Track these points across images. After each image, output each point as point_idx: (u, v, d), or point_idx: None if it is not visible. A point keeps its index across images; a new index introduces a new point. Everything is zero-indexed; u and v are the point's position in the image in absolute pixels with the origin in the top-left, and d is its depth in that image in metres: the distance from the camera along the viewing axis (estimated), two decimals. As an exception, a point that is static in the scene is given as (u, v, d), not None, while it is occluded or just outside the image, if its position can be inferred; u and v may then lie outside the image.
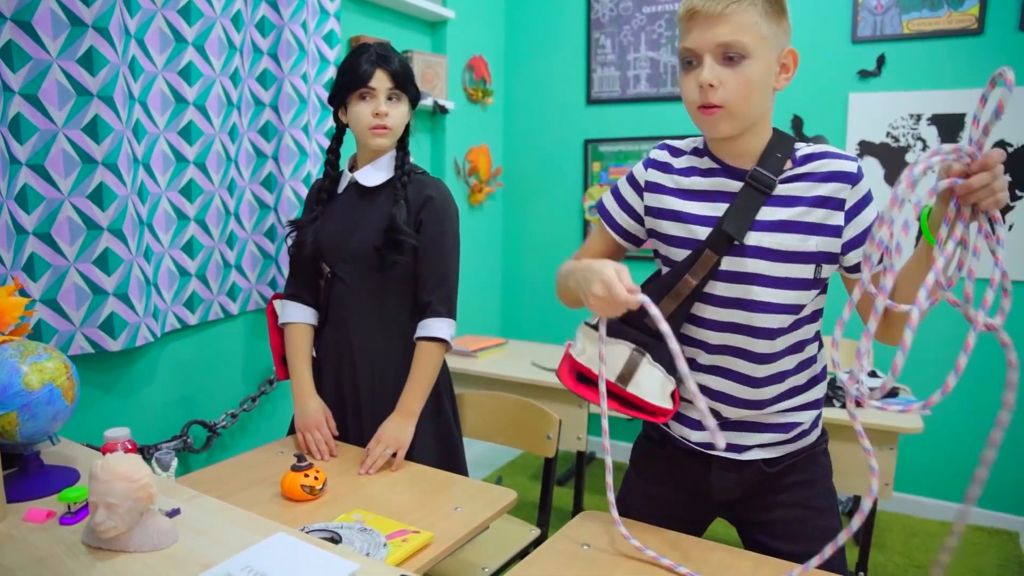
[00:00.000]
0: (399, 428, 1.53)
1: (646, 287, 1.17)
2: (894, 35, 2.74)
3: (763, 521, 1.21)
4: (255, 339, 2.19)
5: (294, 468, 1.35)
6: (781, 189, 1.06)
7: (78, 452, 1.27)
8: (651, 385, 1.10)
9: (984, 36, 2.61)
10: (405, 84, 1.55)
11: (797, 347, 1.13)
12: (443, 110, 2.99)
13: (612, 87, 3.32)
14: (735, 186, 1.08)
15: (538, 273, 3.60)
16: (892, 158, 2.79)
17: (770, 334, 1.09)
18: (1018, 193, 2.62)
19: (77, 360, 1.66)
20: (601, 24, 3.31)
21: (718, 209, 1.09)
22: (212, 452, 2.06)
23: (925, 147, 2.74)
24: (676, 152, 1.17)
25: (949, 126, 2.69)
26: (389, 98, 1.54)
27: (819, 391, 1.19)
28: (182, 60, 1.82)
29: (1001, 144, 2.62)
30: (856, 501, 2.84)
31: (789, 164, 1.07)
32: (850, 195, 1.04)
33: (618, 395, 1.14)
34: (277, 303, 1.73)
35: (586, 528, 1.22)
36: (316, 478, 1.35)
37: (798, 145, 1.09)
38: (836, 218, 1.04)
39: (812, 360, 1.16)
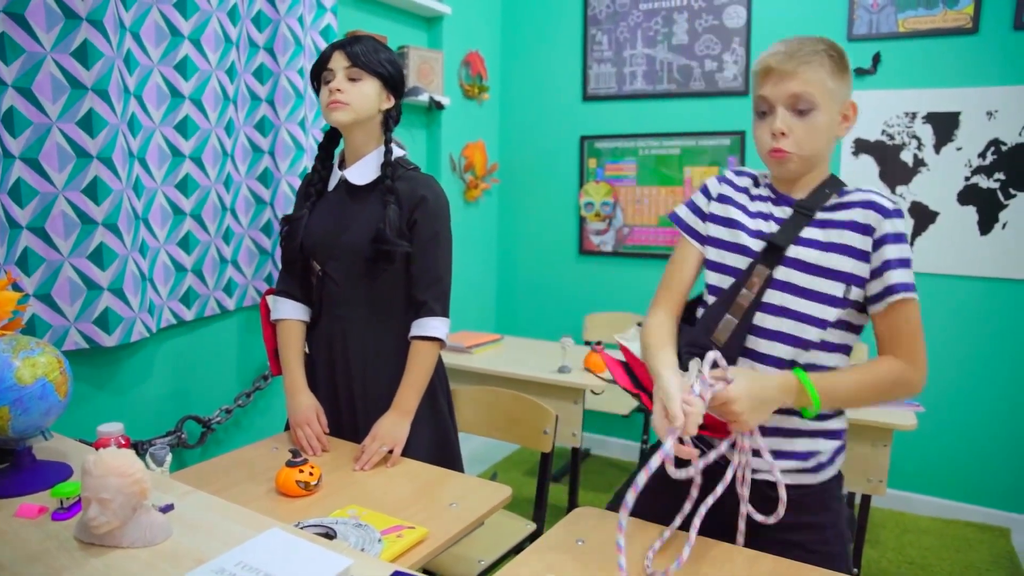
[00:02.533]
0: (395, 425, 1.53)
1: (704, 310, 1.26)
2: (890, 33, 2.74)
3: (768, 550, 1.19)
4: (250, 335, 2.19)
5: (289, 464, 1.34)
6: (822, 215, 1.18)
7: (71, 447, 1.26)
8: None
9: (979, 35, 2.61)
10: (365, 63, 1.53)
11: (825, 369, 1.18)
12: (439, 106, 2.99)
13: (608, 83, 3.31)
14: (786, 212, 1.21)
15: (534, 269, 3.60)
16: (887, 156, 2.80)
17: (805, 344, 1.16)
18: (1012, 192, 2.62)
19: (71, 355, 1.65)
20: (598, 20, 3.30)
21: (769, 227, 1.21)
22: (206, 448, 2.05)
23: (920, 145, 2.74)
24: (752, 180, 1.29)
25: (944, 124, 2.70)
26: (351, 79, 1.53)
27: (840, 422, 1.23)
28: (178, 54, 1.82)
29: (995, 143, 2.63)
30: (850, 498, 2.85)
31: (834, 198, 1.19)
32: (879, 224, 1.13)
33: None
34: (270, 299, 1.73)
35: (581, 524, 1.22)
36: (311, 474, 1.34)
37: (849, 187, 1.20)
38: (865, 243, 1.14)
39: None
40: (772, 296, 1.17)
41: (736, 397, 1.03)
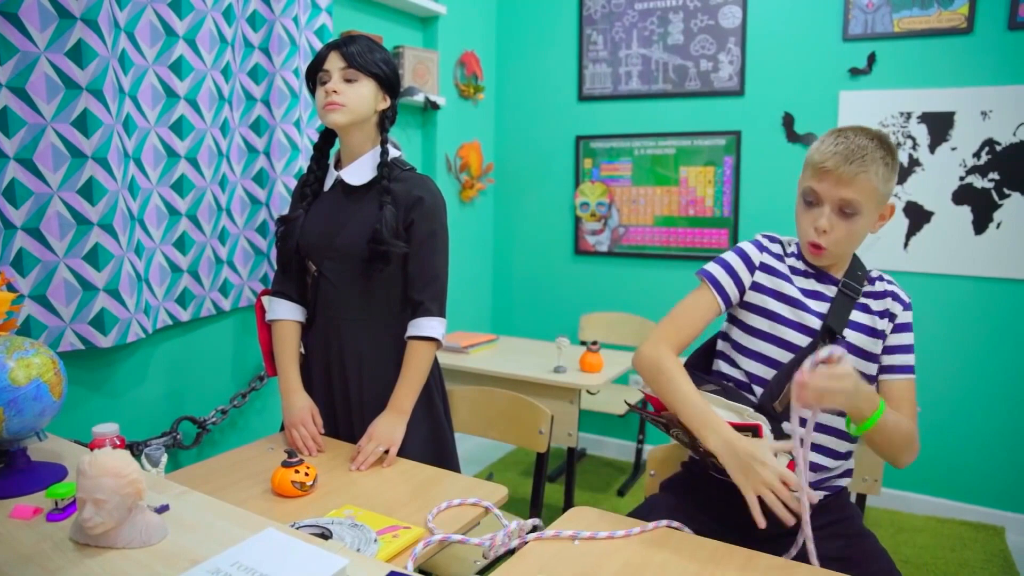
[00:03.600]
0: (391, 426, 1.53)
1: (771, 379, 1.32)
2: (885, 33, 2.75)
3: (803, 555, 1.22)
4: (246, 335, 2.19)
5: (285, 464, 1.34)
6: (862, 299, 1.31)
7: (66, 448, 1.26)
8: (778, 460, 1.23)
9: (973, 35, 2.62)
10: (361, 64, 1.52)
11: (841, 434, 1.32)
12: (434, 106, 2.99)
13: (604, 83, 3.32)
14: (829, 289, 1.32)
15: (529, 270, 3.61)
16: (882, 156, 2.81)
17: (837, 412, 1.28)
18: (1006, 192, 2.64)
19: (67, 357, 1.65)
20: (593, 20, 3.31)
21: (821, 306, 1.30)
22: (202, 448, 2.05)
23: (915, 145, 2.75)
24: (783, 246, 1.38)
25: (939, 124, 2.71)
26: (346, 80, 1.53)
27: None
28: (173, 54, 1.81)
29: (990, 143, 2.64)
30: (845, 497, 2.86)
31: (866, 283, 1.33)
32: (901, 313, 1.31)
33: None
34: (265, 299, 1.73)
35: (576, 523, 1.22)
36: (307, 474, 1.34)
37: (870, 268, 1.36)
38: (887, 327, 1.30)
39: None
40: None
41: (848, 372, 1.09)
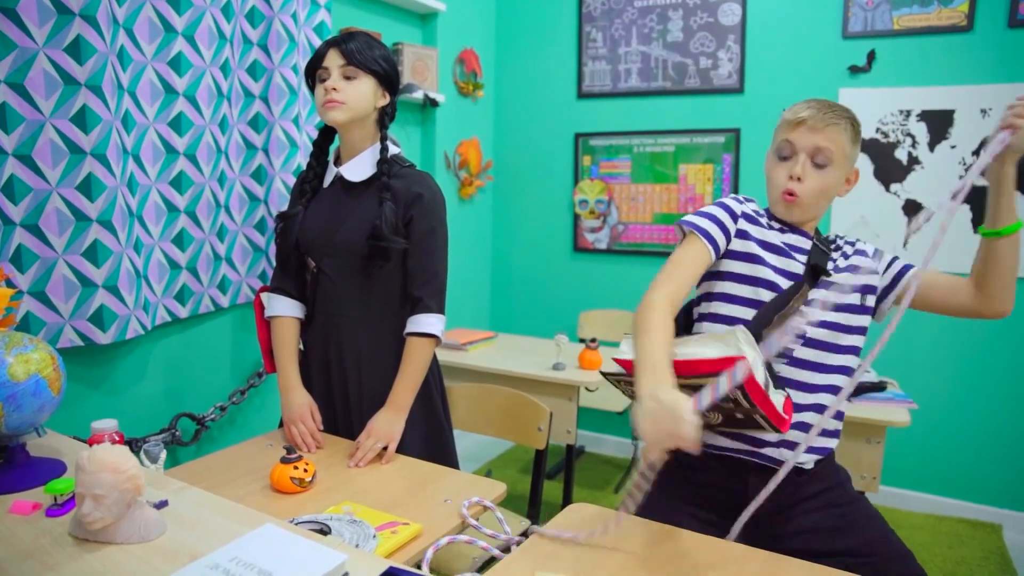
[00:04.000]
0: (389, 422, 1.53)
1: (758, 312, 1.33)
2: (884, 31, 2.75)
3: (801, 528, 1.26)
4: (244, 332, 2.19)
5: (283, 460, 1.35)
6: (834, 253, 1.39)
7: (65, 444, 1.26)
8: (775, 396, 1.22)
9: (973, 33, 2.62)
10: (360, 61, 1.52)
11: (845, 370, 1.34)
12: (433, 103, 2.99)
13: (603, 81, 3.32)
14: (804, 242, 1.36)
15: (528, 267, 3.61)
16: (882, 154, 2.81)
17: (838, 349, 1.32)
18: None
19: (66, 353, 1.65)
20: (592, 18, 3.31)
21: (798, 256, 1.35)
22: (201, 445, 2.05)
23: (915, 143, 2.75)
24: (757, 207, 1.42)
25: (938, 122, 2.71)
26: (346, 77, 1.53)
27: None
28: (172, 50, 1.81)
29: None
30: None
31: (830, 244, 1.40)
32: (869, 249, 1.40)
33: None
34: (264, 296, 1.73)
35: (574, 520, 1.23)
36: (305, 470, 1.35)
37: (830, 236, 1.44)
38: (874, 279, 1.37)
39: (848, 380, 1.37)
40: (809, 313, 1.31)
41: None
